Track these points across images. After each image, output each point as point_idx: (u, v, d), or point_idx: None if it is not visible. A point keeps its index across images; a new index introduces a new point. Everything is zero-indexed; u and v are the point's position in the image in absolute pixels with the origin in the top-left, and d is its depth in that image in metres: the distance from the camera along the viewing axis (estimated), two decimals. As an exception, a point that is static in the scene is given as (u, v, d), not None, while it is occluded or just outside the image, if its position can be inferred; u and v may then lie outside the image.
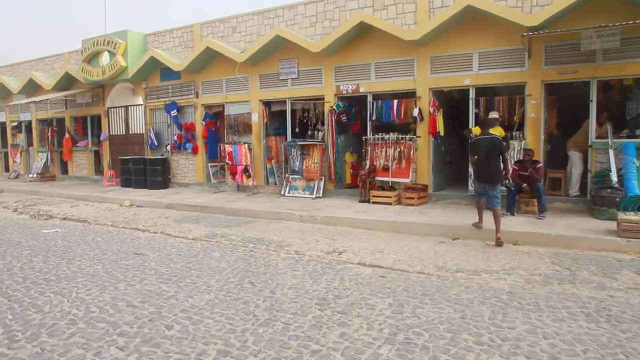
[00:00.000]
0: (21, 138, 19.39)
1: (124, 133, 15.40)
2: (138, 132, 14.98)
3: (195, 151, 13.25)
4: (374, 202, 9.75)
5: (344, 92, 10.85)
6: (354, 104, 11.29)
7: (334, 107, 10.83)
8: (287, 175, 11.44)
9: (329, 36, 10.35)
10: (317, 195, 10.86)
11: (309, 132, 11.40)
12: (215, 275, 5.48)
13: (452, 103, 11.09)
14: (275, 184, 12.27)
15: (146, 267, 5.85)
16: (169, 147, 13.84)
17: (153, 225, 8.70)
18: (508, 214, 8.19)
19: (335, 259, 6.12)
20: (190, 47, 13.27)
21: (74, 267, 5.93)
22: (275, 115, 12.41)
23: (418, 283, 5.07)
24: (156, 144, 14.18)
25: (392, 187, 9.91)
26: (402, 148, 9.76)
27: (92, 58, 14.64)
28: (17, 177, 19.16)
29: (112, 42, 13.83)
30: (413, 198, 9.44)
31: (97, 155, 16.81)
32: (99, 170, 16.91)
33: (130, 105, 15.20)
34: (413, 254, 6.36)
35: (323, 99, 11.14)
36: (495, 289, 4.81)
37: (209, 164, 13.23)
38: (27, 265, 6.10)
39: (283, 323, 3.99)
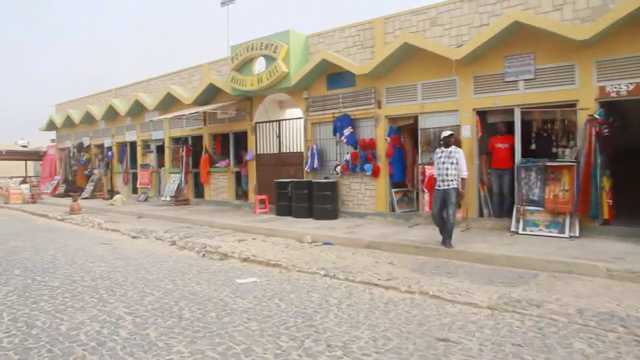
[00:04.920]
0: (151, 158, 18.09)
1: (276, 152, 13.25)
2: (294, 150, 12.77)
3: (376, 174, 10.66)
4: (693, 251, 6.58)
5: (613, 94, 7.80)
6: (610, 113, 8.27)
7: (596, 115, 7.84)
8: (519, 206, 8.50)
9: (606, 17, 7.38)
10: (572, 235, 7.82)
11: (553, 150, 8.43)
12: None
13: None
14: (490, 215, 9.39)
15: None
16: (339, 169, 11.37)
17: (390, 278, 6.10)
18: None
19: None
20: (368, 47, 10.88)
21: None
22: (487, 127, 9.63)
23: None
24: (319, 165, 11.82)
25: None
26: None
27: (243, 66, 12.77)
28: (146, 199, 17.79)
29: (272, 45, 11.80)
30: None
31: (238, 178, 14.85)
32: (237, 194, 14.95)
33: (286, 119, 13.08)
34: None
35: (575, 105, 8.18)
36: None
37: (392, 190, 10.64)
38: (282, 358, 3.67)
39: None
